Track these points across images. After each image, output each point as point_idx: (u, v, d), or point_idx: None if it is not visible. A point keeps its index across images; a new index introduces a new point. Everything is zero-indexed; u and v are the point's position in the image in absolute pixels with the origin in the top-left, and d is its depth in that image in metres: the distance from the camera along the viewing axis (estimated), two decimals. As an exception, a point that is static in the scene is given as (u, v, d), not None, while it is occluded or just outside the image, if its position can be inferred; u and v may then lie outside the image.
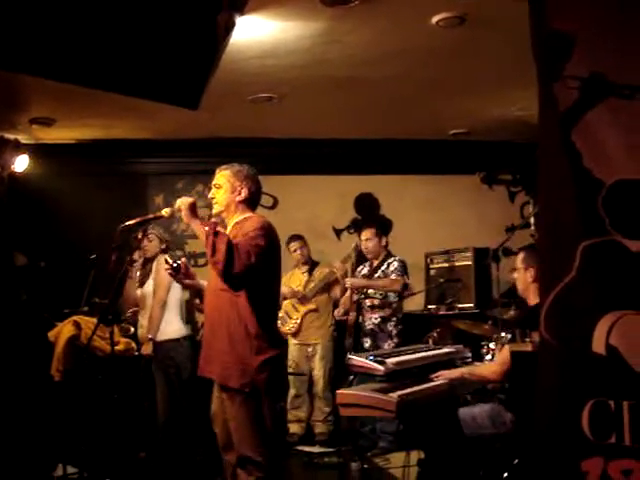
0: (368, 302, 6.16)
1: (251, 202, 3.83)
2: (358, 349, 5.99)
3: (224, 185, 3.78)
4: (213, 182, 3.86)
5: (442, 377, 3.99)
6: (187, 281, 4.00)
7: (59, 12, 4.04)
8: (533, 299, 3.87)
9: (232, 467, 3.74)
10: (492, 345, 4.51)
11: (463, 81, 5.70)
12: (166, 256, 4.18)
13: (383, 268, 6.15)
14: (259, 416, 3.59)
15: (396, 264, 6.10)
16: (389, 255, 6.24)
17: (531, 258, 3.92)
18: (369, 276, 6.23)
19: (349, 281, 6.14)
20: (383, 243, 6.27)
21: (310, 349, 6.69)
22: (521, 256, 4.03)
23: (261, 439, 3.59)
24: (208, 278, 3.92)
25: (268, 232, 3.65)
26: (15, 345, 5.58)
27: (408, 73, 5.45)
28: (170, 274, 3.94)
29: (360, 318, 6.15)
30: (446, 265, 6.92)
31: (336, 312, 6.47)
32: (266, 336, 3.60)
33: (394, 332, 6.06)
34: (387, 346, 5.93)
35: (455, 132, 7.40)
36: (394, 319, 6.09)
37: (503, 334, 4.35)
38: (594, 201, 2.50)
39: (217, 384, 3.79)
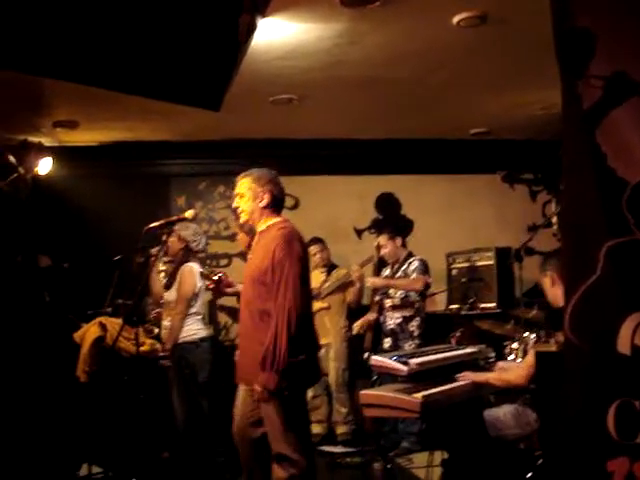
0: (389, 302, 6.16)
1: (275, 205, 3.84)
2: (377, 349, 6.01)
3: (246, 193, 3.81)
4: (235, 191, 3.89)
5: (467, 378, 3.97)
6: (229, 290, 4.06)
7: (83, 16, 4.08)
8: (554, 303, 3.83)
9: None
10: (515, 345, 4.49)
11: (484, 80, 5.69)
12: (202, 270, 4.22)
13: (404, 268, 6.15)
14: (293, 415, 3.66)
15: (417, 263, 6.09)
16: (410, 255, 6.24)
17: (548, 264, 3.86)
18: (391, 277, 6.23)
19: (370, 280, 6.15)
20: (399, 244, 6.27)
21: (323, 350, 6.65)
22: (541, 263, 4.00)
23: (296, 437, 3.66)
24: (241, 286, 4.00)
25: (290, 245, 3.66)
26: (40, 346, 5.63)
27: (428, 73, 5.45)
28: (212, 289, 4.00)
29: (381, 318, 6.16)
30: (468, 265, 6.90)
31: (355, 326, 6.45)
32: (298, 339, 3.60)
33: (416, 332, 6.04)
34: (408, 346, 5.91)
35: (475, 131, 7.38)
36: (417, 319, 6.08)
37: (527, 334, 4.33)
38: (618, 201, 2.49)
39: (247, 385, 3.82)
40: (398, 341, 6.04)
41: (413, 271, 6.05)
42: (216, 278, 4.02)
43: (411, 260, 6.15)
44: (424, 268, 6.08)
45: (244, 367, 3.81)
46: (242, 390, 3.88)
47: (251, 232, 3.99)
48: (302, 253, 3.73)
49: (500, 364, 4.16)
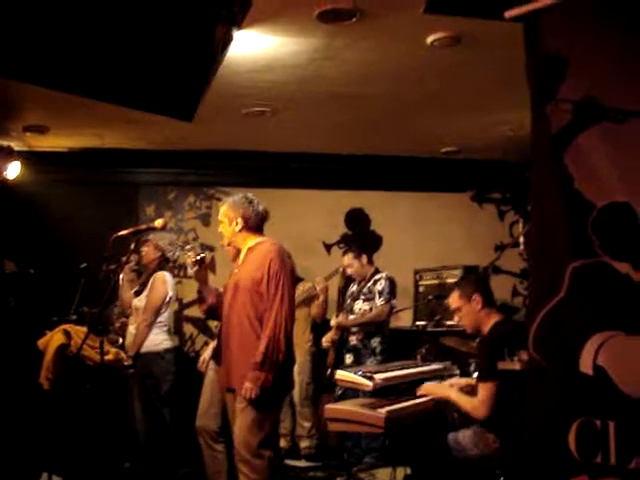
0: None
1: (250, 227, 4.16)
2: (340, 365, 6.02)
3: (224, 220, 4.18)
4: (218, 218, 4.24)
5: (426, 391, 3.97)
6: (203, 275, 4.27)
7: (56, 20, 4.06)
8: (486, 324, 3.83)
9: None
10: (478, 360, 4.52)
11: (456, 100, 5.75)
12: (188, 251, 4.33)
13: (369, 285, 6.18)
14: (265, 422, 3.90)
15: (383, 283, 6.11)
16: (376, 272, 6.26)
17: (469, 287, 3.88)
18: (357, 294, 6.25)
19: (334, 322, 6.18)
20: (365, 262, 6.30)
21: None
22: (457, 294, 3.94)
23: (263, 444, 3.88)
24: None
25: (283, 259, 4.01)
26: (3, 353, 5.55)
27: (402, 91, 5.49)
28: (195, 269, 4.20)
29: (344, 334, 6.17)
30: (435, 282, 6.93)
31: (324, 340, 6.47)
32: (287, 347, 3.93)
33: (378, 349, 6.05)
34: (370, 362, 5.92)
35: (446, 150, 7.45)
36: (380, 335, 6.10)
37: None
38: (584, 223, 2.53)
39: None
40: (360, 357, 6.04)
41: (380, 293, 6.08)
42: (199, 258, 4.21)
43: (377, 278, 6.17)
44: (390, 289, 6.10)
45: (235, 372, 3.98)
46: (230, 396, 4.11)
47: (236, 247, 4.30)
48: (292, 268, 4.08)
49: (464, 382, 4.14)
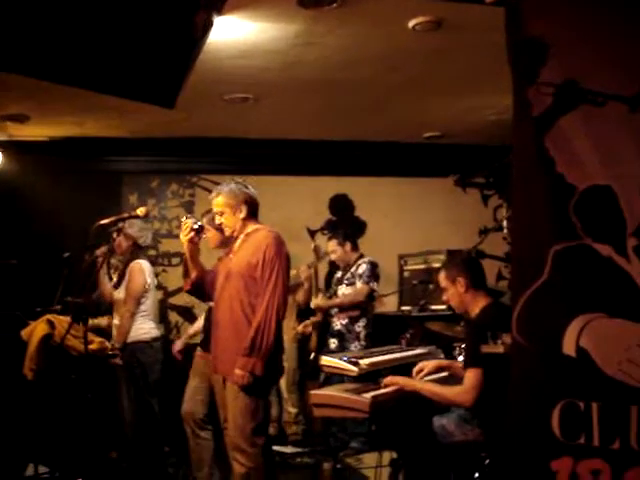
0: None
1: (253, 213, 4.12)
2: (324, 350, 6.05)
3: (225, 210, 4.07)
4: (214, 210, 4.13)
5: (392, 382, 3.81)
6: (193, 247, 4.21)
7: (35, 9, 4.02)
8: (473, 308, 3.77)
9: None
10: (464, 346, 4.54)
11: (438, 85, 5.75)
12: (186, 218, 4.25)
13: (352, 270, 6.21)
14: (256, 409, 3.91)
15: (364, 267, 6.14)
16: (360, 257, 6.29)
17: (454, 270, 3.80)
18: (340, 280, 6.29)
19: (314, 302, 6.21)
20: (348, 248, 6.31)
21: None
22: (443, 274, 3.86)
23: (255, 431, 3.90)
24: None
25: (280, 246, 3.99)
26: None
27: (384, 76, 5.48)
28: (188, 236, 4.13)
29: (328, 319, 6.20)
30: (420, 267, 6.93)
31: (300, 327, 6.51)
32: (277, 334, 3.91)
33: (362, 333, 6.07)
34: (354, 347, 5.96)
35: (429, 135, 7.46)
36: (364, 319, 6.11)
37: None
38: (566, 206, 2.54)
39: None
40: (344, 342, 6.07)
41: (360, 276, 6.10)
42: (196, 227, 4.14)
43: (360, 262, 6.20)
44: (371, 273, 6.12)
45: (224, 358, 3.97)
46: (218, 382, 4.12)
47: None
48: (288, 256, 4.04)
49: (419, 365, 4.08)
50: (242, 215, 4.05)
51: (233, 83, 5.59)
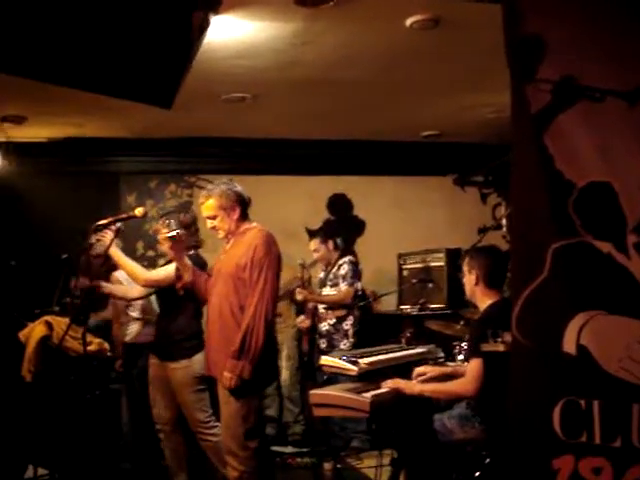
0: (322, 306, 6.27)
1: (245, 212, 4.07)
2: (314, 351, 6.08)
3: (218, 213, 4.00)
4: (205, 215, 4.04)
5: (394, 386, 3.79)
6: (181, 255, 4.10)
7: (31, 9, 4.01)
8: (480, 303, 3.80)
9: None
10: (464, 345, 4.53)
11: (436, 83, 5.74)
12: (163, 227, 4.17)
13: (334, 271, 6.24)
14: (248, 412, 3.86)
15: (346, 268, 6.18)
16: (341, 257, 6.32)
17: (474, 260, 3.81)
18: (323, 281, 6.34)
19: (300, 296, 6.20)
20: (331, 247, 6.35)
21: (275, 349, 6.71)
22: (466, 260, 3.90)
23: (247, 434, 3.85)
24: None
25: (270, 246, 3.92)
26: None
27: (381, 75, 5.47)
28: (166, 245, 4.05)
29: (316, 320, 6.23)
30: (419, 266, 6.94)
31: (299, 320, 6.55)
32: (267, 337, 3.86)
33: (350, 331, 6.14)
34: (343, 346, 6.02)
35: (427, 134, 7.45)
36: (351, 318, 6.17)
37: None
38: (565, 203, 2.53)
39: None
40: (333, 341, 6.13)
41: (343, 277, 6.14)
42: (170, 235, 4.01)
43: (341, 262, 6.24)
44: (353, 273, 6.17)
45: (216, 360, 3.93)
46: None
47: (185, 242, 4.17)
48: (279, 255, 3.97)
49: (418, 370, 4.05)
50: (236, 216, 4.01)
51: (230, 83, 5.57)
